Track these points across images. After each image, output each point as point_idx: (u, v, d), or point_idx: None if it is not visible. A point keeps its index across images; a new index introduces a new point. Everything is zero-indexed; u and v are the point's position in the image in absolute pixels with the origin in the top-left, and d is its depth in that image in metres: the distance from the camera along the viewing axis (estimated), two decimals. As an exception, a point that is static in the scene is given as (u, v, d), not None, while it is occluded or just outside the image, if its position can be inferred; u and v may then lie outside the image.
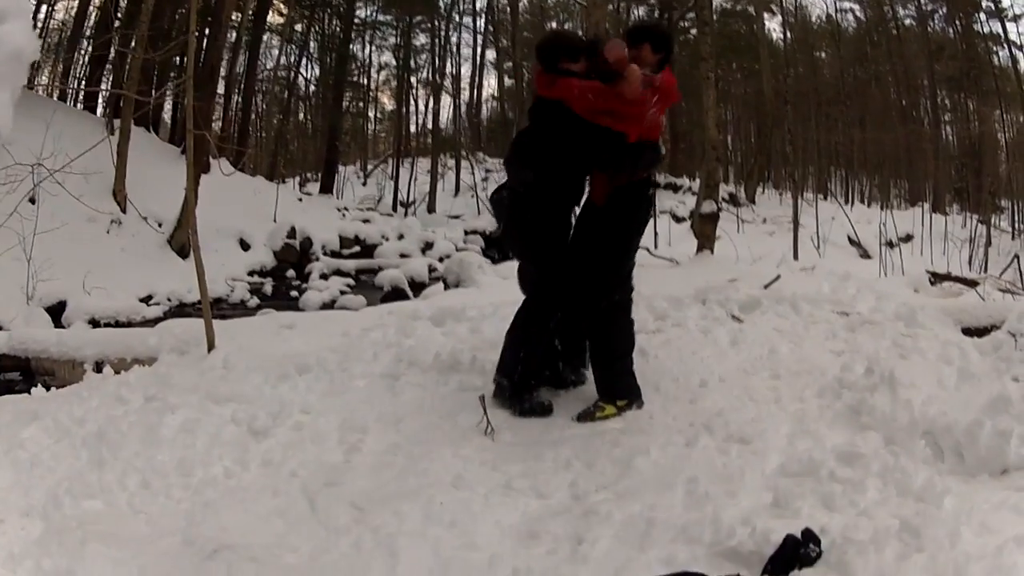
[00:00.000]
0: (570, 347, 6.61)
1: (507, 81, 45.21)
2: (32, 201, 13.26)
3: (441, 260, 20.70)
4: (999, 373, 6.25)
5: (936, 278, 12.55)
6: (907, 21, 43.39)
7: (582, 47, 6.06)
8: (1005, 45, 37.93)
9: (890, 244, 20.46)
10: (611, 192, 6.18)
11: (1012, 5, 37.30)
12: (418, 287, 17.43)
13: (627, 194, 6.22)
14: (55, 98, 24.56)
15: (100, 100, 26.65)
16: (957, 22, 40.58)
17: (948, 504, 4.31)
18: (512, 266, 8.02)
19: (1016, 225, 32.04)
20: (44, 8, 27.60)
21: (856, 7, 45.86)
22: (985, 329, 7.61)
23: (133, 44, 18.76)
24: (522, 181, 6.27)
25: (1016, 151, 37.98)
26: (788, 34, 43.53)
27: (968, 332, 7.63)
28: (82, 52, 27.30)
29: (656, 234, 20.79)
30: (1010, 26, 37.70)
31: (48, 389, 6.91)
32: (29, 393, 6.76)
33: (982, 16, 39.50)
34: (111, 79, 25.77)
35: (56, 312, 13.10)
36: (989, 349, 6.81)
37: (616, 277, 6.33)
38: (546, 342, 6.43)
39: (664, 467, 5.26)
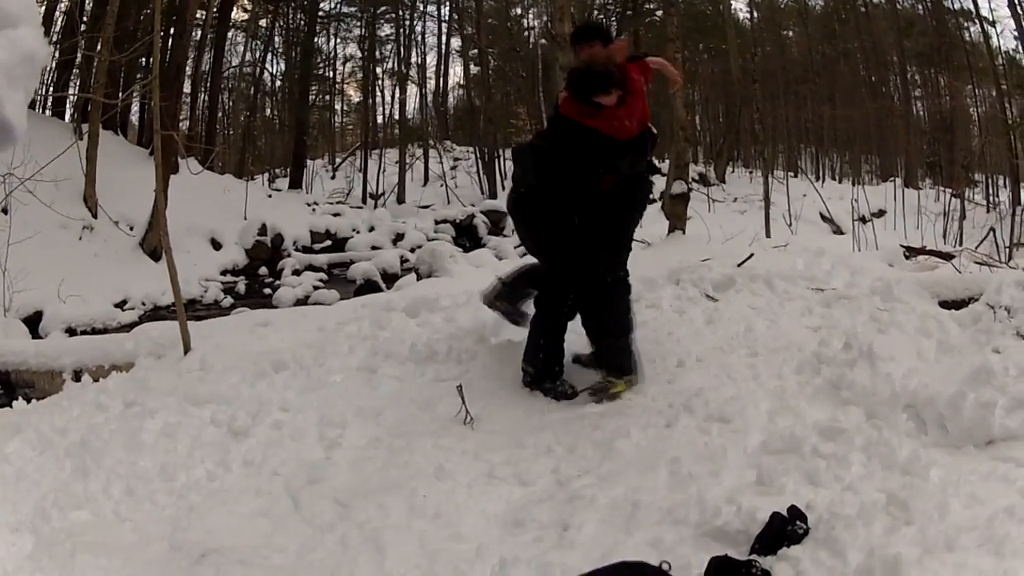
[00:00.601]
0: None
1: (473, 69, 44.92)
2: (4, 211, 13.18)
3: (413, 251, 20.55)
4: (979, 345, 6.26)
5: (911, 252, 12.52)
6: (876, -2, 43.46)
7: (615, 79, 6.19)
8: (976, 20, 37.93)
9: (863, 219, 20.42)
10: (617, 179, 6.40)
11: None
12: (391, 279, 17.33)
13: (631, 178, 6.45)
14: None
15: (68, 105, 26.50)
16: (927, -2, 40.63)
17: (935, 476, 4.33)
18: (483, 254, 8.06)
19: (991, 198, 32.11)
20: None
21: (824, -16, 45.93)
22: (963, 301, 7.60)
23: (99, 47, 18.63)
24: (525, 184, 6.58)
25: (989, 125, 38.03)
26: (755, 13, 43.54)
27: (945, 305, 7.63)
28: (50, 57, 27.12)
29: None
30: (981, 1, 37.78)
31: (29, 401, 6.87)
32: (10, 406, 6.73)
33: (952, -8, 39.52)
34: (78, 83, 25.60)
35: (33, 322, 13.01)
36: (968, 321, 6.82)
37: (620, 255, 6.54)
38: (561, 328, 6.62)
39: (646, 449, 5.28)
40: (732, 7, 41.64)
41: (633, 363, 6.44)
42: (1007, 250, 15.72)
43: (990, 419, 4.84)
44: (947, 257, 11.83)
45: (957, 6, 39.23)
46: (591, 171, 6.25)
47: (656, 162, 6.76)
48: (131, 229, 17.96)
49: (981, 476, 4.35)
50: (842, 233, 23.00)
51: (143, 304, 15.23)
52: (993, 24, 37.01)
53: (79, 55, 22.48)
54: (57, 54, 24.73)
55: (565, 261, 6.44)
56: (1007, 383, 5.11)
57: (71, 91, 25.26)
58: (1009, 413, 4.87)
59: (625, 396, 6.20)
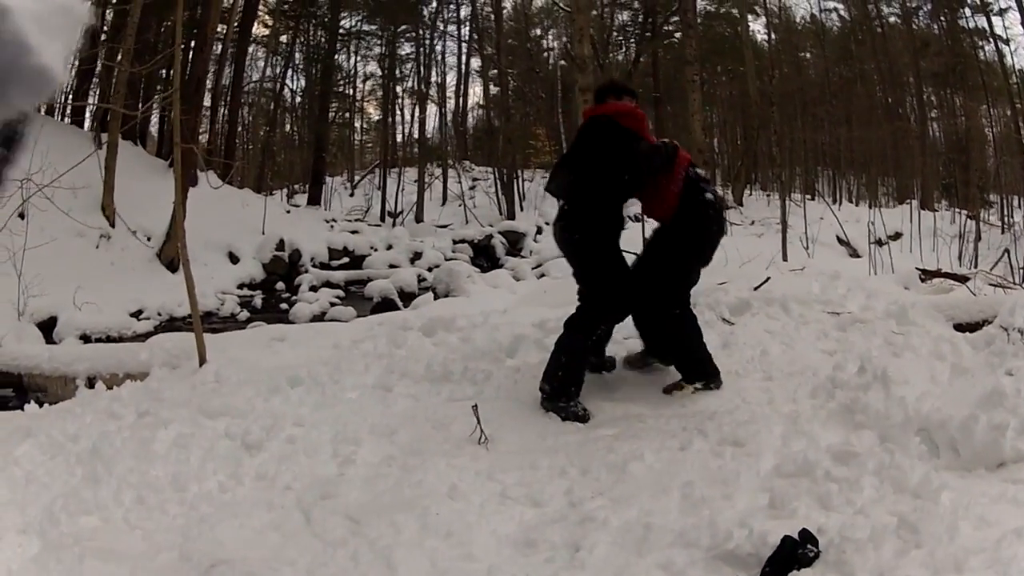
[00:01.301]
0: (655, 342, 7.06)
1: (492, 89, 44.85)
2: (21, 216, 13.24)
3: (430, 270, 20.69)
4: (992, 368, 6.26)
5: (926, 275, 12.50)
6: (891, 19, 43.46)
7: (627, 91, 7.08)
8: (991, 39, 37.93)
9: (879, 242, 20.40)
10: (675, 210, 6.73)
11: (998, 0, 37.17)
12: (408, 297, 17.40)
13: (685, 212, 6.70)
14: (43, 112, 24.49)
15: (87, 114, 26.58)
16: (942, 18, 40.62)
17: (945, 499, 4.32)
18: (500, 274, 8.14)
19: (1005, 219, 32.03)
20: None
21: (840, 6, 45.89)
22: (977, 324, 7.61)
23: (119, 57, 18.70)
24: (558, 187, 6.92)
25: (1004, 145, 38.00)
26: (772, 35, 43.58)
27: (960, 328, 7.63)
28: (69, 65, 27.20)
29: (644, 239, 20.76)
30: (996, 20, 37.74)
31: (41, 405, 6.89)
32: (22, 410, 6.75)
33: (967, 11, 39.55)
34: (98, 93, 25.70)
35: (47, 327, 13.07)
36: (981, 344, 6.83)
37: (682, 287, 6.86)
38: (586, 351, 6.72)
39: (659, 472, 5.27)
40: (750, 29, 41.72)
41: (705, 373, 6.65)
42: (1021, 271, 15.71)
43: (1001, 441, 4.84)
44: (962, 279, 11.81)
45: (972, 25, 39.28)
46: (608, 162, 6.52)
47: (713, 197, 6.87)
48: (148, 240, 18.04)
49: (991, 498, 4.36)
50: (859, 256, 23.00)
51: (159, 314, 15.29)
52: (1007, 42, 36.96)
53: (99, 65, 22.60)
54: (77, 63, 24.84)
55: (606, 288, 6.65)
56: (1019, 405, 5.11)
57: (91, 100, 25.34)
58: (1020, 435, 4.87)
59: (639, 418, 6.21)
